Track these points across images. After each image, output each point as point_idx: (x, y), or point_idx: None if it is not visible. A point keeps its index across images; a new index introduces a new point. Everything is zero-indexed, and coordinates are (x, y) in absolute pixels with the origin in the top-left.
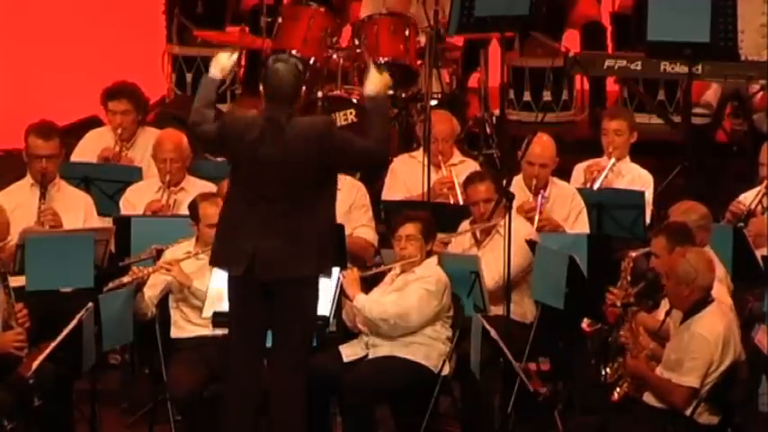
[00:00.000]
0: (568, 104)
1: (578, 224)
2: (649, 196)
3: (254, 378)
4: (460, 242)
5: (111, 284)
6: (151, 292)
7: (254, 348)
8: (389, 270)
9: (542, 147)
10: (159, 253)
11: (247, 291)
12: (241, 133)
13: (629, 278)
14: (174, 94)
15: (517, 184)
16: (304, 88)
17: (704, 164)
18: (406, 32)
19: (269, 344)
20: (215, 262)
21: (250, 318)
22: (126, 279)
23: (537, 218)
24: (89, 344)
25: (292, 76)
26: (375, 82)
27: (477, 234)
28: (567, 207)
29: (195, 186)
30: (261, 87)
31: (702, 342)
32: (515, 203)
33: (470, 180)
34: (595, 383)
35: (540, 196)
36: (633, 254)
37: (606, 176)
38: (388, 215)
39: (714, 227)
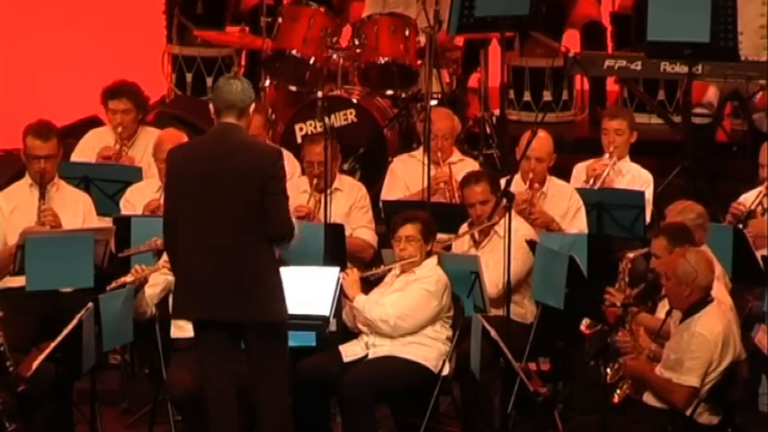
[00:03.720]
0: (568, 104)
1: (576, 221)
2: (649, 195)
3: (231, 405)
4: (459, 244)
5: (113, 284)
6: (151, 291)
7: (229, 378)
8: (389, 271)
9: (539, 141)
10: (159, 253)
11: (212, 332)
12: (185, 164)
13: (627, 279)
14: (174, 94)
15: (516, 183)
16: (252, 107)
17: (704, 164)
18: (406, 32)
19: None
20: (178, 315)
21: (221, 357)
22: (128, 278)
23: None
24: (89, 344)
25: (242, 90)
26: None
27: (476, 235)
28: (565, 204)
29: None
30: (211, 106)
31: (702, 341)
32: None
33: (466, 181)
34: (595, 384)
35: (534, 190)
36: (631, 255)
37: (608, 174)
38: (388, 215)
39: (714, 227)
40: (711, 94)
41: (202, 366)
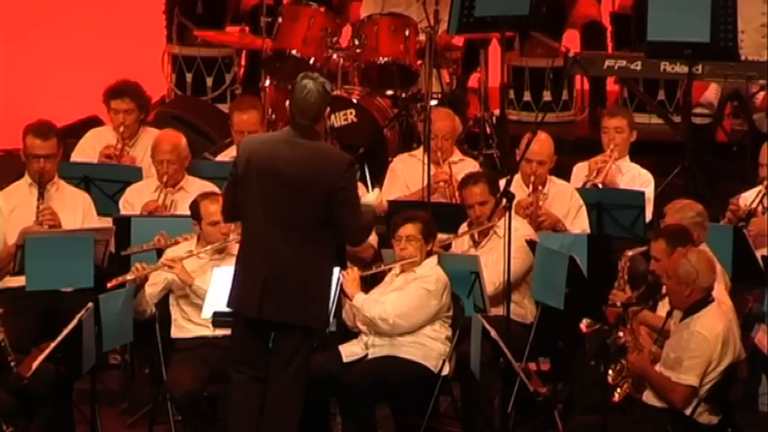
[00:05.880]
0: (568, 104)
1: (578, 220)
2: (650, 193)
3: (255, 398)
4: (459, 244)
5: (113, 281)
6: (152, 290)
7: (255, 375)
8: (389, 270)
9: (540, 144)
10: (159, 253)
11: (253, 328)
12: (258, 155)
13: (626, 278)
14: (174, 94)
15: (516, 183)
16: (327, 110)
17: (704, 164)
18: (406, 32)
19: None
20: (231, 304)
21: (253, 353)
22: (129, 277)
23: (536, 213)
24: (89, 344)
25: (317, 94)
26: (371, 199)
27: (476, 235)
28: (567, 205)
29: (194, 186)
30: (287, 103)
31: (702, 341)
32: (514, 202)
33: (465, 182)
34: (595, 383)
35: (538, 192)
36: (630, 253)
37: (610, 168)
38: (389, 215)
39: (714, 227)
40: (712, 93)
41: (232, 356)
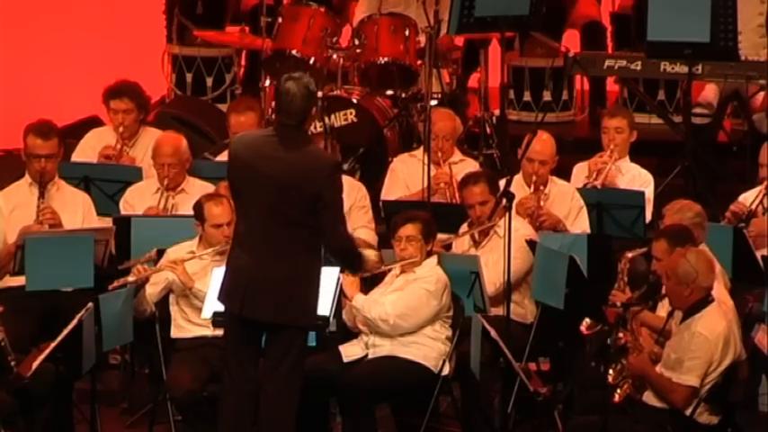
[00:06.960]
0: (568, 104)
1: (579, 221)
2: (650, 194)
3: (245, 399)
4: (459, 243)
5: (114, 283)
6: (152, 290)
7: (244, 375)
8: (389, 270)
9: (542, 144)
10: (160, 253)
11: (241, 325)
12: (246, 153)
13: (626, 279)
14: (174, 94)
15: (517, 183)
16: (314, 111)
17: (704, 164)
18: (406, 32)
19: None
20: (220, 298)
21: (241, 350)
22: (130, 278)
23: (537, 212)
24: (89, 344)
25: (301, 96)
26: (370, 254)
27: (476, 235)
28: (567, 205)
29: (195, 187)
30: (273, 103)
31: (703, 341)
32: (515, 202)
33: (465, 182)
34: (595, 383)
35: (539, 192)
36: (629, 254)
37: (610, 169)
38: (388, 215)
39: (714, 227)
40: (710, 93)
41: (225, 356)
